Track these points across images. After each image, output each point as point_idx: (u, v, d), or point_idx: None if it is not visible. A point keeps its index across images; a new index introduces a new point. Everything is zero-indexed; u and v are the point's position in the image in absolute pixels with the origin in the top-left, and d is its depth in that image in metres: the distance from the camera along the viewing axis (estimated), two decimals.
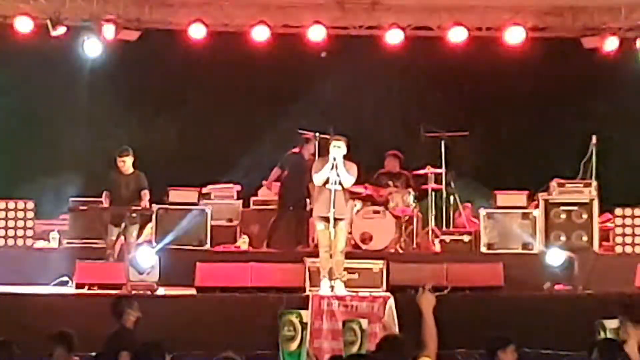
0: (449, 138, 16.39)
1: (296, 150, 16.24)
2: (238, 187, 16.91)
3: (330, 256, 13.13)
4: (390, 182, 16.10)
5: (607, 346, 8.48)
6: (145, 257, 13.61)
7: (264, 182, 16.64)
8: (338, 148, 13.23)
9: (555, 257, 14.07)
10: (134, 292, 13.21)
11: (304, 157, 16.10)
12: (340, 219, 13.15)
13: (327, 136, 14.01)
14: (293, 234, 15.91)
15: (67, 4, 16.18)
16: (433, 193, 16.22)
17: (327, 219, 13.09)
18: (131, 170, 14.83)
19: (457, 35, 16.49)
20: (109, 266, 14.19)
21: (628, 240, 15.49)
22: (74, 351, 9.23)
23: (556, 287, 13.87)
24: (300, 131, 16.39)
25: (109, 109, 17.69)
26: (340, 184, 13.15)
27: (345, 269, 13.44)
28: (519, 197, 15.70)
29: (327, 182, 13.15)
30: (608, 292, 13.46)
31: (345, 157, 13.28)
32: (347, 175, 13.19)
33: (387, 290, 13.48)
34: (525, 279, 14.11)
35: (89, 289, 13.68)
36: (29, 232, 15.60)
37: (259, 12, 16.57)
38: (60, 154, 17.38)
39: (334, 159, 13.17)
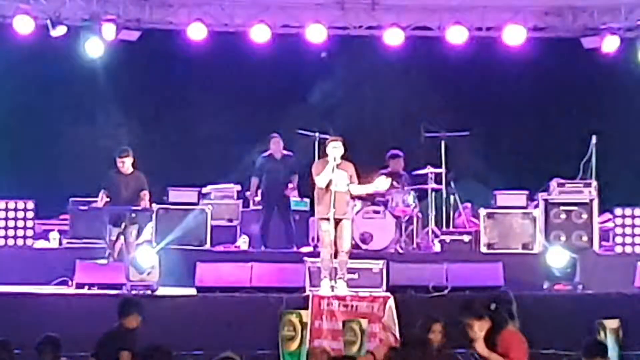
0: (449, 138, 16.39)
1: (265, 153, 16.26)
2: (238, 187, 16.91)
3: (331, 256, 13.10)
4: (394, 183, 16.11)
5: (592, 347, 8.51)
6: (145, 257, 13.59)
7: (247, 195, 16.62)
8: (337, 149, 13.22)
9: (558, 258, 14.02)
10: (133, 292, 13.22)
11: (275, 157, 16.15)
12: (343, 219, 13.13)
13: (327, 136, 14.00)
14: (284, 234, 15.93)
15: (67, 4, 16.19)
16: (433, 193, 16.22)
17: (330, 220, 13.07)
18: (131, 170, 14.83)
19: (457, 35, 16.49)
20: (109, 266, 14.17)
21: (628, 240, 15.48)
22: (60, 354, 9.21)
23: (556, 287, 13.86)
24: (299, 131, 16.40)
25: (109, 109, 17.70)
26: (345, 185, 13.13)
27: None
28: (519, 197, 15.69)
29: (329, 183, 13.13)
30: (608, 292, 13.47)
31: (342, 157, 13.28)
32: (355, 184, 13.27)
33: (387, 290, 13.47)
34: (525, 279, 14.09)
35: (89, 289, 13.67)
36: (29, 232, 15.60)
37: (259, 12, 16.59)
38: (60, 154, 17.39)
39: (334, 160, 13.16)
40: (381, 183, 13.63)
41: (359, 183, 13.44)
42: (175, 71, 17.73)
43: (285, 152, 16.26)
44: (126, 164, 14.74)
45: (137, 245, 14.51)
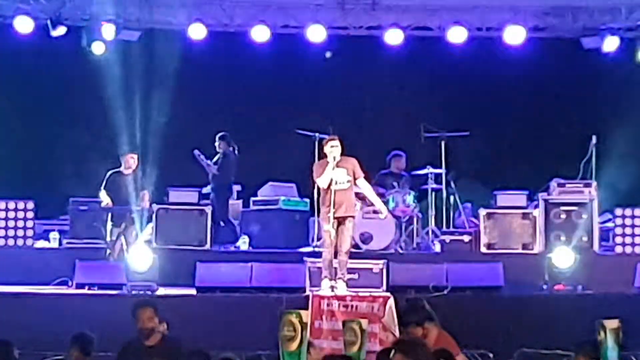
0: (449, 138, 16.39)
1: None
2: (238, 187, 16.91)
3: (332, 256, 13.09)
4: (395, 183, 16.11)
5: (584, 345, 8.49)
6: (138, 259, 13.56)
7: None
8: (336, 147, 13.21)
9: (564, 259, 13.98)
10: (133, 292, 13.22)
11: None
12: (346, 218, 13.08)
13: (327, 136, 14.00)
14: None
15: (67, 4, 16.19)
16: (433, 193, 16.22)
17: (335, 219, 13.04)
18: (131, 170, 14.85)
19: (457, 35, 16.50)
20: (109, 266, 14.19)
21: (628, 240, 15.47)
22: (90, 355, 9.17)
23: (556, 287, 13.85)
24: (299, 131, 16.39)
25: (108, 109, 17.68)
26: (345, 182, 13.11)
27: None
28: (519, 197, 15.69)
29: (330, 183, 13.11)
30: (608, 292, 13.46)
31: (341, 154, 13.26)
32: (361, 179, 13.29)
33: (387, 290, 13.46)
34: (525, 279, 14.10)
35: (89, 289, 13.68)
36: (29, 232, 15.60)
37: (259, 12, 16.59)
38: (60, 154, 17.39)
39: (334, 159, 13.15)
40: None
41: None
42: (175, 71, 17.72)
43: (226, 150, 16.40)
44: (136, 160, 14.84)
45: (136, 246, 14.51)
